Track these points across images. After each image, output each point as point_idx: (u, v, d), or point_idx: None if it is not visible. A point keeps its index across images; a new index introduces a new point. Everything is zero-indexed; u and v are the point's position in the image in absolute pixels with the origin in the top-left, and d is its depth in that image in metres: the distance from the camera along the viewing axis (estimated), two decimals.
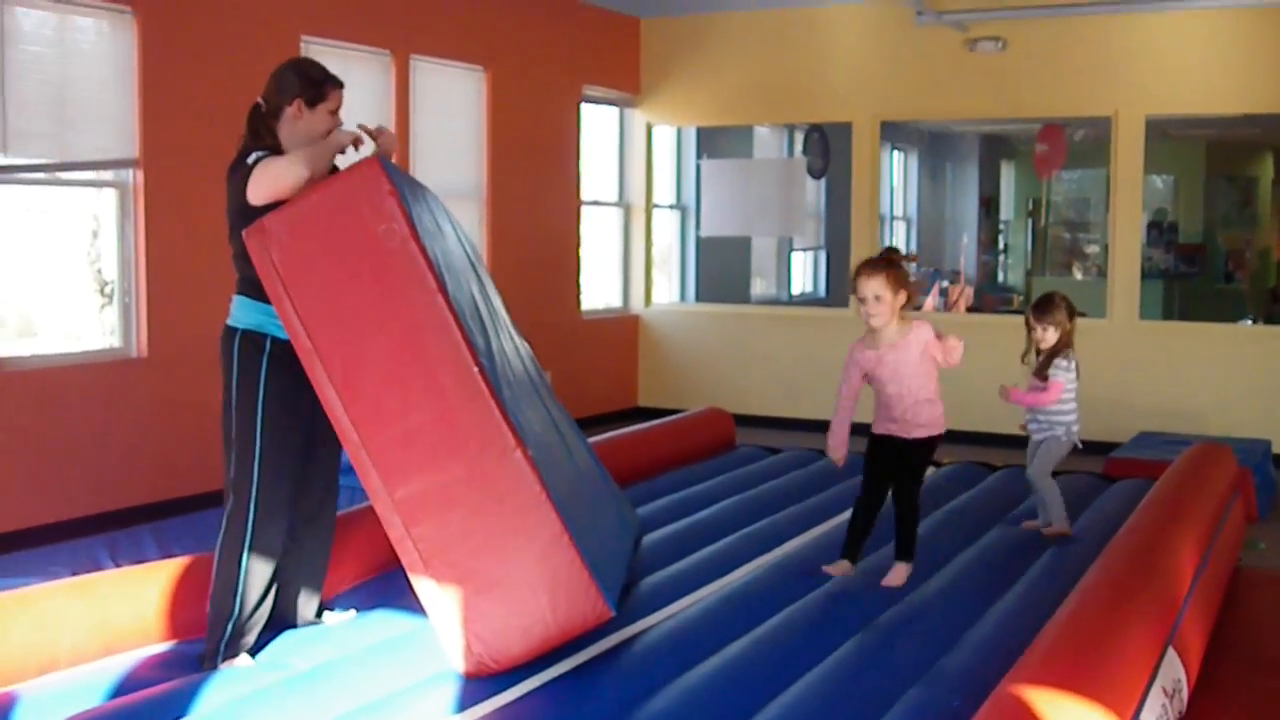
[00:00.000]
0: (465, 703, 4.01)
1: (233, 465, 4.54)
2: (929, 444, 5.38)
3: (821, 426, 10.90)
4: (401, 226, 4.11)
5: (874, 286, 5.13)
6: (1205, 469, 6.47)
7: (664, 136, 12.85)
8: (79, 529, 7.23)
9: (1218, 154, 15.80)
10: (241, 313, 4.60)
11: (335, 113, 4.74)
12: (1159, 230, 15.41)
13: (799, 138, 14.20)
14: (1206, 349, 10.58)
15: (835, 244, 13.98)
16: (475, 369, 4.14)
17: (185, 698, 4.06)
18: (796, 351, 11.76)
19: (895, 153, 15.39)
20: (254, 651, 4.56)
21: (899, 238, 15.62)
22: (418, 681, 4.18)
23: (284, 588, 4.76)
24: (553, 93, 11.38)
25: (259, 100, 4.78)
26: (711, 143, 13.25)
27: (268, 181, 4.37)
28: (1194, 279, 15.31)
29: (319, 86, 4.72)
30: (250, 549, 4.49)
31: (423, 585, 4.19)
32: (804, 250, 15.11)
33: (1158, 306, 13.63)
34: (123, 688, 4.23)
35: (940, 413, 5.42)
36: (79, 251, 8.14)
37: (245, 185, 4.42)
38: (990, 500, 6.89)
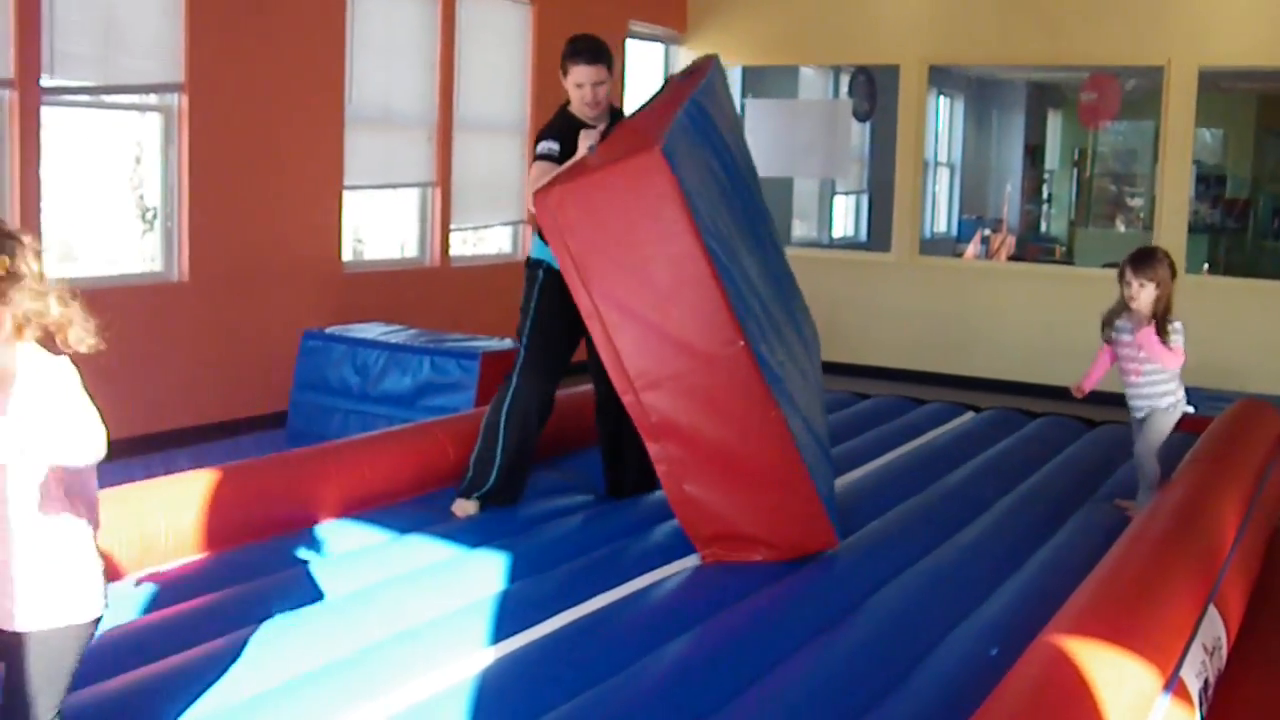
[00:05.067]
0: (499, 635, 4.02)
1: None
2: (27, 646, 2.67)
3: (859, 371, 10.94)
4: (683, 226, 4.40)
5: None
6: (1248, 425, 6.40)
7: None
8: (114, 451, 7.20)
9: (1269, 108, 15.58)
10: (535, 244, 5.49)
11: (582, 86, 5.34)
12: (1206, 184, 15.24)
13: (845, 80, 14.06)
14: (1251, 304, 10.47)
15: (879, 188, 13.83)
16: (742, 343, 4.48)
17: (222, 616, 4.07)
18: (836, 295, 11.69)
19: (941, 98, 15.22)
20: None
21: (942, 184, 15.49)
22: (455, 610, 4.19)
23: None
24: (598, 28, 11.11)
25: None
26: (757, 82, 13.13)
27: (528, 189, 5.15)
28: (1239, 234, 15.15)
29: (566, 60, 5.41)
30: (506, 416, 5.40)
31: (670, 497, 4.77)
32: (847, 194, 14.98)
33: (1202, 261, 13.49)
34: (157, 603, 4.24)
35: (62, 589, 2.70)
36: (122, 176, 8.14)
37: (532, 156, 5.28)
38: (1030, 448, 6.85)
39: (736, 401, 4.54)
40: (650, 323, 4.53)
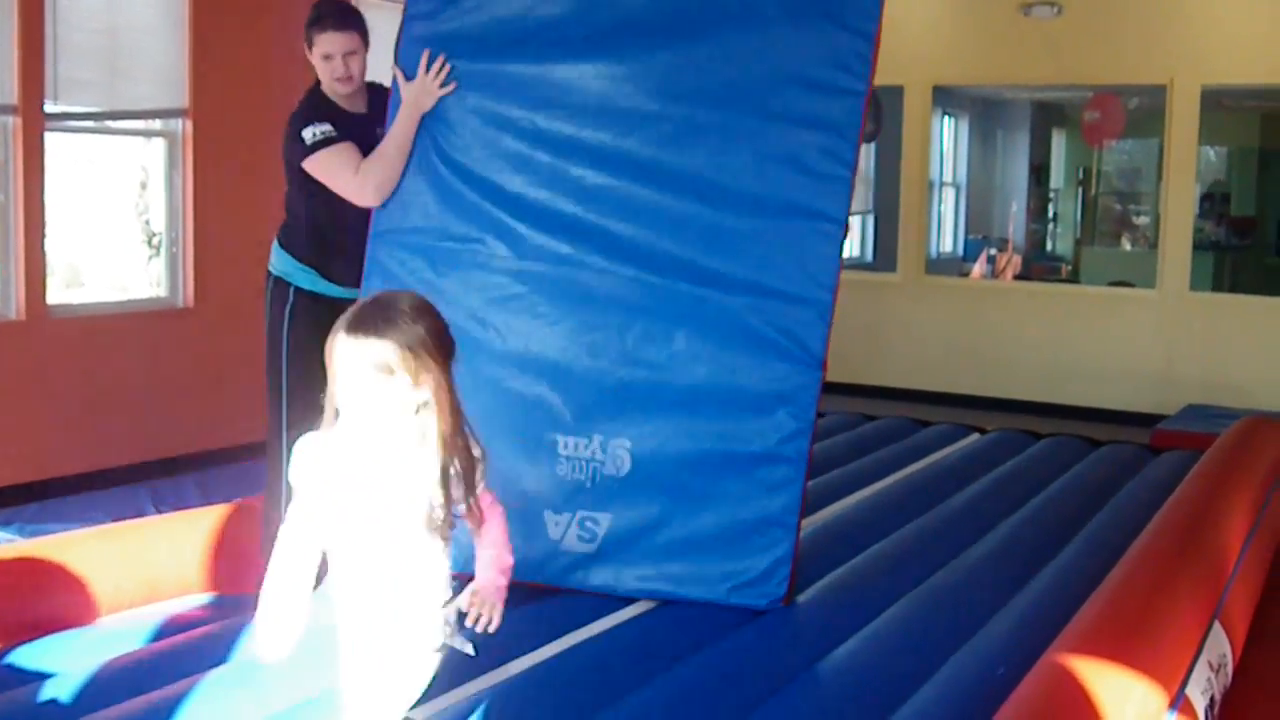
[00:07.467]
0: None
1: (268, 409, 4.55)
2: None
3: (865, 391, 10.94)
4: None
5: None
6: (1253, 442, 6.40)
7: None
8: (122, 477, 7.25)
9: (1273, 126, 15.60)
10: (275, 259, 4.63)
11: (331, 58, 4.48)
12: (1211, 202, 15.25)
13: None
14: (1256, 322, 10.44)
15: (884, 209, 13.86)
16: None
17: (223, 645, 4.07)
18: (842, 315, 11.51)
19: (946, 118, 15.26)
20: None
21: (948, 204, 15.52)
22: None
23: None
24: None
25: None
26: None
27: (336, 184, 4.47)
28: (1245, 251, 15.16)
29: (308, 29, 4.49)
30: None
31: None
32: (852, 215, 14.99)
33: (1207, 278, 13.50)
34: (161, 635, 4.24)
35: None
36: (127, 202, 8.16)
37: (300, 154, 4.46)
38: (1036, 468, 6.83)
39: None
40: None
